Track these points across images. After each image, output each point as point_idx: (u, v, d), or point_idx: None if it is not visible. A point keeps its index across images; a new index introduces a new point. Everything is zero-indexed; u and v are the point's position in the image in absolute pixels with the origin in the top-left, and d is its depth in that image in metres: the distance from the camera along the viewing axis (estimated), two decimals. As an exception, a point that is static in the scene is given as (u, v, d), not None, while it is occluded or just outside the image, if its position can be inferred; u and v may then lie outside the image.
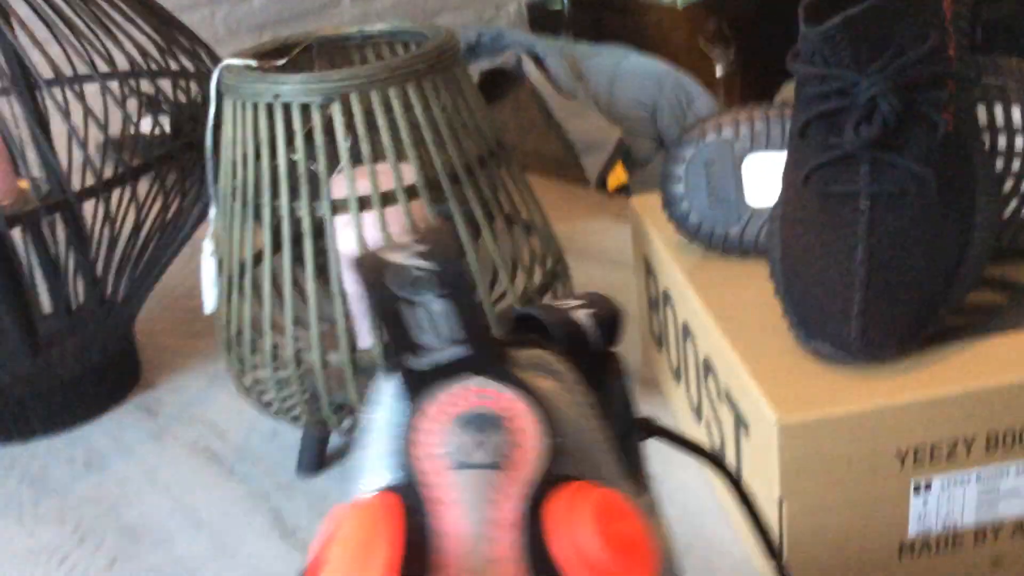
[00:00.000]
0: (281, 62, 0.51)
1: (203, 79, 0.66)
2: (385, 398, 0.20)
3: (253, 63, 0.50)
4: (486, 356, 0.18)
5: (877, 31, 0.42)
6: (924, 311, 0.43)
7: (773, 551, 0.27)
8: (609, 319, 0.21)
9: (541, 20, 1.70)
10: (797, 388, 0.43)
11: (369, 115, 0.47)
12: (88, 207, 0.66)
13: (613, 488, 0.18)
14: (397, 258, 0.18)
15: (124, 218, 0.63)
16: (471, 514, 0.17)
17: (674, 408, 0.62)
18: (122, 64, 0.66)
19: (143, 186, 0.62)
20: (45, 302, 0.74)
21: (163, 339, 0.81)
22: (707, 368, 0.51)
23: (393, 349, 0.18)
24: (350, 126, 0.47)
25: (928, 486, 0.43)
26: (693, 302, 0.52)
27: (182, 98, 0.64)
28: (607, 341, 0.22)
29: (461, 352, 0.18)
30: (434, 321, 0.17)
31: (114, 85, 0.70)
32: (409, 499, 0.18)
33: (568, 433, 0.19)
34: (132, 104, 0.72)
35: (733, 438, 0.49)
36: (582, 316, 0.21)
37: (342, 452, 0.63)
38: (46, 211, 0.58)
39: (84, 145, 0.57)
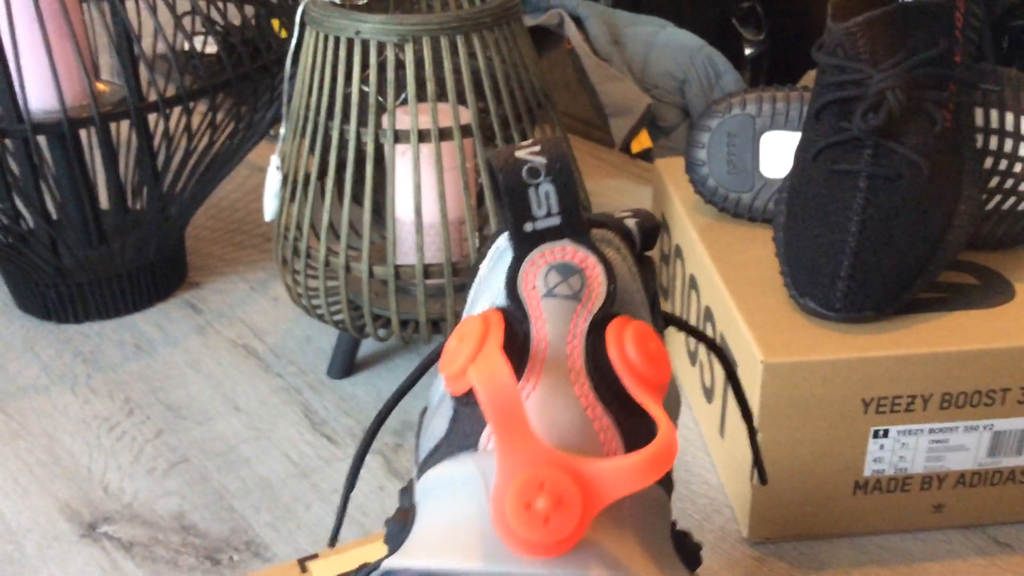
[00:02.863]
0: (362, 2, 0.57)
1: (277, 9, 0.71)
2: (503, 252, 0.27)
3: (337, 0, 0.56)
4: (575, 226, 0.25)
5: (893, 33, 0.48)
6: (903, 281, 0.50)
7: (752, 428, 0.33)
8: (649, 228, 0.28)
9: (583, -17, 1.72)
10: (783, 336, 0.49)
11: (437, 58, 0.53)
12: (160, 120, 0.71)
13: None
14: (523, 154, 0.25)
15: (199, 134, 0.69)
16: (554, 328, 0.24)
17: (671, 353, 0.69)
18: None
19: (202, 106, 0.68)
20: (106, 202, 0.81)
21: (209, 247, 0.88)
22: (707, 316, 0.58)
23: (513, 217, 0.25)
24: (419, 65, 0.53)
25: (886, 433, 0.50)
26: (701, 256, 0.59)
27: (261, 22, 0.70)
28: (647, 245, 0.29)
29: (558, 222, 0.25)
30: (542, 199, 0.25)
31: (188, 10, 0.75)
32: (515, 315, 0.25)
33: (621, 286, 0.26)
34: (190, 26, 0.77)
35: (723, 380, 0.55)
36: (631, 223, 0.28)
37: (370, 361, 0.70)
38: (114, 116, 0.64)
39: (174, 54, 0.63)
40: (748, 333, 0.50)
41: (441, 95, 0.59)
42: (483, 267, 0.28)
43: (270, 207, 0.62)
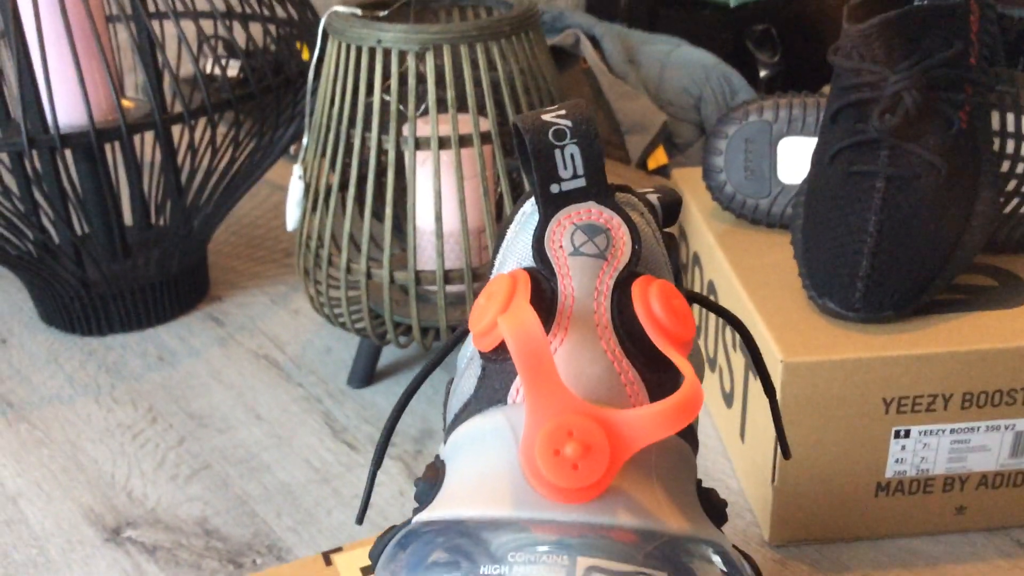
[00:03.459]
0: (383, 14, 0.58)
1: (301, 28, 0.73)
2: (530, 215, 0.27)
3: (358, 11, 0.57)
4: (600, 188, 0.26)
5: (909, 34, 0.49)
6: (921, 281, 0.50)
7: (773, 398, 0.33)
8: (671, 203, 0.29)
9: (598, 5, 1.75)
10: (803, 336, 0.50)
11: (457, 66, 0.54)
12: (185, 136, 0.72)
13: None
14: (549, 117, 0.25)
15: (223, 148, 0.70)
16: (581, 285, 0.25)
17: (691, 361, 0.69)
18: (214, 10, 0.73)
19: (226, 121, 0.69)
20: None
21: (231, 262, 0.89)
22: (726, 321, 0.58)
23: (539, 178, 0.26)
24: (439, 74, 0.54)
25: (907, 433, 0.50)
26: (720, 262, 0.59)
27: (281, 43, 0.71)
28: (668, 220, 0.29)
29: (584, 183, 0.26)
30: (568, 161, 0.25)
31: (207, 25, 0.76)
32: (542, 273, 0.26)
33: (645, 248, 0.26)
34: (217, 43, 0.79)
35: (742, 383, 0.56)
36: (654, 198, 0.29)
37: (390, 371, 0.71)
38: (140, 128, 0.65)
39: (203, 73, 0.64)
40: (768, 333, 0.50)
41: (461, 103, 0.60)
42: (510, 231, 0.28)
43: (292, 216, 0.63)
